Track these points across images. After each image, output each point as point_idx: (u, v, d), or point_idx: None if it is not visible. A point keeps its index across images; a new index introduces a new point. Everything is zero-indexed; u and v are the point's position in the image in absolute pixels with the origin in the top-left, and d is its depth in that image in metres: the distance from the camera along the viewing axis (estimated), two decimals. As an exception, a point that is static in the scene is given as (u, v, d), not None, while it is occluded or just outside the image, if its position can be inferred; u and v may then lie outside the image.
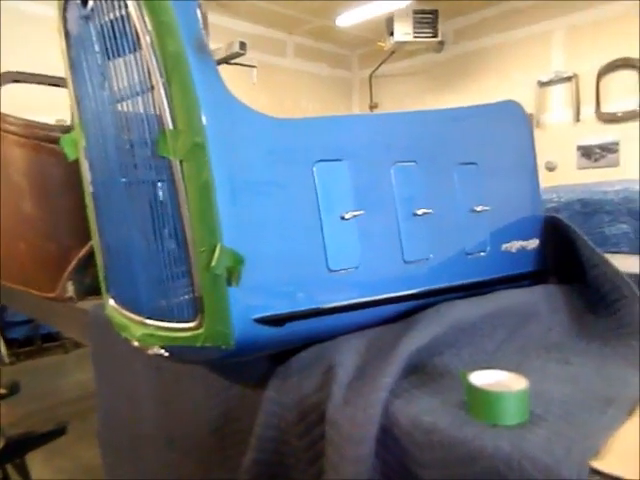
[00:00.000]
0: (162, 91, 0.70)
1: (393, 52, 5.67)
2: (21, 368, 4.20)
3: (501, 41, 5.57)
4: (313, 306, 0.82)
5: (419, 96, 6.19)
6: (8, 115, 1.32)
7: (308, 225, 0.81)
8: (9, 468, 1.72)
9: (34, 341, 4.42)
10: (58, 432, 1.72)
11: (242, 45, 1.46)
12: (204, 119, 0.69)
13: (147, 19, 0.69)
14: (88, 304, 1.41)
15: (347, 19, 5.40)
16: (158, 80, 0.70)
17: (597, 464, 0.52)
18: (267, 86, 5.37)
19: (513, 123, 1.11)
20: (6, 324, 4.34)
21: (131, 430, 1.24)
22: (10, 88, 2.11)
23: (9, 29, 4.31)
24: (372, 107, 6.45)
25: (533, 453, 0.54)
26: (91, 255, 1.40)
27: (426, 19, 5.19)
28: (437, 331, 0.81)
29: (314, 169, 0.81)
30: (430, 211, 0.94)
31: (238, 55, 1.41)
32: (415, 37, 5.17)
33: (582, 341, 0.92)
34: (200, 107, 0.69)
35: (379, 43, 5.47)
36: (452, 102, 5.59)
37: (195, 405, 1.00)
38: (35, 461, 2.03)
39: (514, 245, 1.09)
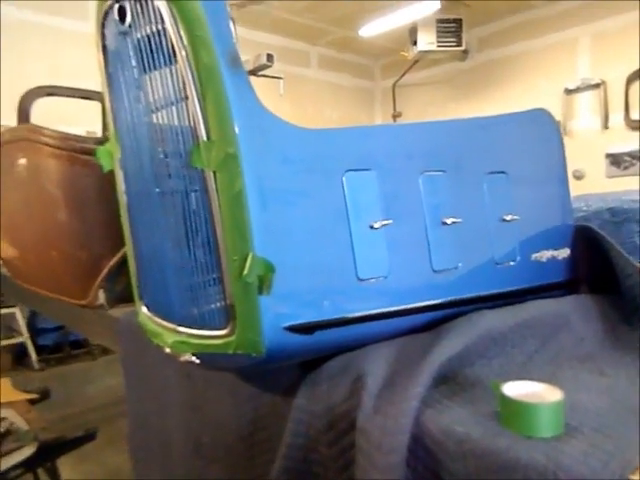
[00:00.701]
0: (196, 103, 0.72)
1: (416, 61, 5.67)
2: (50, 374, 4.30)
3: (526, 49, 5.53)
4: (342, 315, 0.83)
5: (442, 105, 6.18)
6: (44, 127, 1.36)
7: (338, 234, 0.82)
8: (40, 472, 1.76)
9: (63, 348, 4.52)
10: (88, 437, 1.76)
11: (269, 57, 1.49)
12: (237, 130, 0.71)
13: (183, 33, 0.71)
14: (119, 312, 1.44)
15: (370, 29, 5.43)
16: (192, 92, 0.72)
17: (636, 478, 0.51)
18: (291, 96, 5.43)
19: (543, 131, 1.10)
20: (37, 330, 4.45)
21: (160, 436, 1.25)
22: (40, 101, 2.18)
23: (32, 42, 4.46)
24: (395, 116, 6.45)
25: (569, 466, 0.54)
26: (122, 263, 1.44)
27: (450, 28, 5.19)
28: (468, 341, 0.81)
29: (343, 179, 0.82)
30: (459, 220, 0.94)
31: (266, 67, 1.44)
32: (439, 46, 5.17)
33: (616, 352, 0.91)
34: (233, 119, 0.71)
35: (402, 53, 5.49)
36: (476, 111, 5.56)
37: (224, 412, 1.01)
38: (64, 466, 2.07)
39: (544, 254, 1.07)
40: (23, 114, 2.06)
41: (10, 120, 1.99)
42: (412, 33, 5.29)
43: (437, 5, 4.94)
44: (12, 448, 1.53)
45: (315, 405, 0.80)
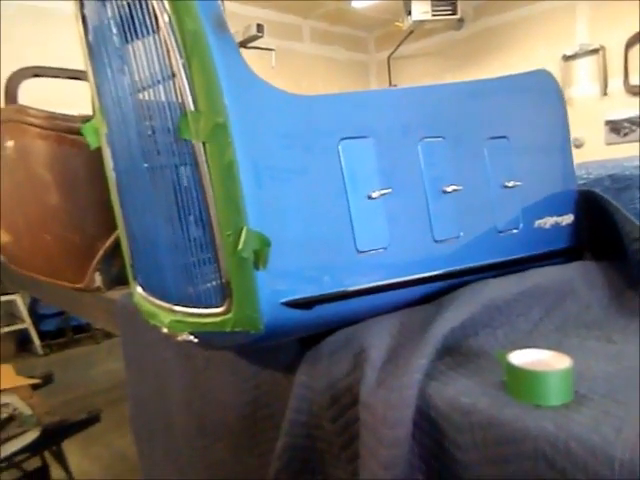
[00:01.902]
0: (182, 72, 0.68)
1: (411, 32, 5.56)
2: (54, 359, 4.32)
3: (522, 16, 5.41)
4: (342, 288, 0.80)
5: (439, 76, 6.07)
6: (30, 107, 1.32)
7: (335, 205, 0.79)
8: (47, 456, 1.77)
9: (66, 333, 4.53)
10: (93, 420, 1.76)
11: (259, 27, 1.44)
12: (225, 99, 0.68)
13: (164, -2, 0.67)
14: (116, 294, 1.42)
15: (363, 0, 5.30)
16: (178, 61, 0.68)
17: (650, 444, 0.49)
18: (284, 71, 5.32)
19: (545, 94, 1.06)
20: (39, 317, 4.45)
21: (162, 417, 1.25)
22: (30, 83, 2.12)
23: (28, 26, 4.36)
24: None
25: (580, 434, 0.52)
26: (117, 245, 1.41)
27: (444, -4, 5.06)
28: (471, 311, 0.79)
29: (339, 147, 0.79)
30: (459, 188, 0.91)
31: (256, 38, 1.39)
32: (434, 15, 5.06)
33: (623, 319, 0.89)
34: (221, 86, 0.67)
35: (397, 23, 5.37)
36: (473, 81, 5.46)
37: (225, 391, 1.00)
38: (71, 449, 2.08)
39: (548, 221, 1.05)
40: (10, 96, 2.01)
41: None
42: (406, 3, 5.16)
43: (431, -28, 4.82)
44: (16, 433, 1.53)
45: (317, 381, 0.78)
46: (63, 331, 4.55)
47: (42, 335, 4.44)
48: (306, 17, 5.97)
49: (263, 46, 1.68)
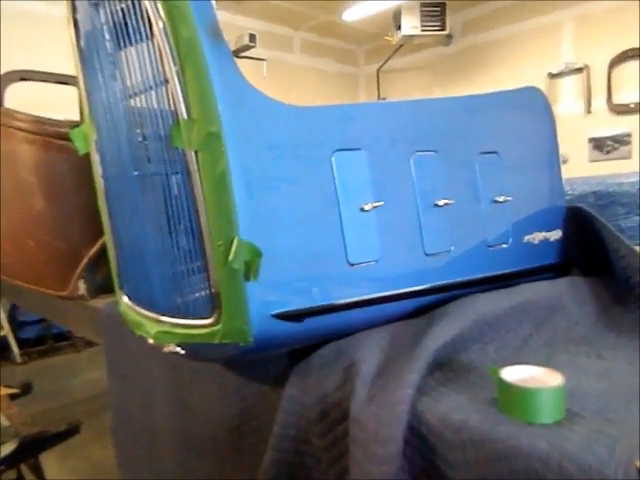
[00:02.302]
0: (176, 79, 0.68)
1: (401, 46, 5.61)
2: (33, 367, 4.22)
3: (510, 33, 5.50)
4: (332, 301, 0.80)
5: (427, 90, 6.14)
6: (16, 111, 1.30)
7: (327, 217, 0.78)
8: (24, 468, 1.72)
9: (46, 340, 4.43)
10: (72, 431, 1.71)
11: (252, 37, 1.44)
12: (219, 107, 0.67)
13: (159, 4, 0.66)
14: (100, 302, 1.39)
15: (353, 14, 5.36)
16: (172, 68, 0.68)
17: (642, 464, 0.49)
18: (273, 82, 5.34)
19: (535, 110, 1.07)
20: (18, 324, 4.35)
21: (145, 429, 1.22)
22: (17, 88, 2.10)
23: (15, 30, 4.32)
24: (380, 102, 6.39)
25: (574, 453, 0.51)
26: (102, 253, 1.39)
27: (434, 12, 5.14)
28: (462, 326, 0.78)
29: (332, 159, 0.78)
30: (451, 202, 0.91)
31: (248, 48, 1.39)
32: (423, 30, 5.12)
33: (611, 334, 0.89)
34: (215, 95, 0.67)
35: (386, 37, 5.42)
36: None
37: (211, 404, 0.98)
38: (49, 461, 2.02)
39: (537, 236, 1.05)
40: (-4, 100, 1.99)
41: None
42: (396, 17, 5.22)
43: (420, -12, 4.89)
44: (-8, 445, 1.49)
45: (306, 395, 0.77)
46: (43, 339, 4.46)
47: (21, 343, 4.34)
48: (297, 29, 6.00)
49: (255, 56, 1.67)
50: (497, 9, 5.54)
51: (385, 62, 6.16)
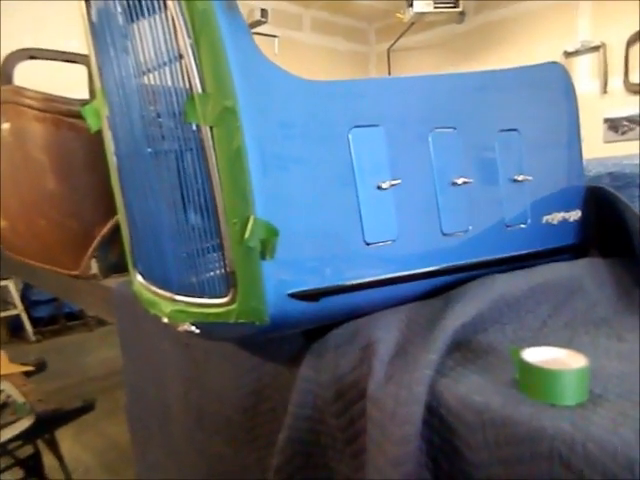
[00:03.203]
0: (190, 53, 0.66)
1: (412, 24, 5.51)
2: (46, 346, 4.28)
3: (525, 10, 5.37)
4: (349, 281, 0.78)
5: (439, 69, 6.03)
6: (26, 89, 1.29)
7: (344, 195, 0.77)
8: (40, 444, 1.75)
9: (58, 319, 4.49)
10: (87, 408, 1.74)
11: (264, 13, 1.42)
12: (235, 81, 0.65)
13: (173, -26, 0.64)
14: (112, 281, 1.40)
15: (365, -10, 5.25)
16: (186, 41, 0.66)
17: (670, 447, 0.48)
18: (283, 61, 5.26)
19: (557, 86, 1.04)
20: (31, 303, 4.41)
21: (159, 407, 1.23)
22: (26, 68, 2.08)
23: (23, 9, 4.28)
24: (390, 82, 6.30)
25: (598, 435, 0.50)
26: (114, 232, 1.39)
27: (447, -12, 5.01)
28: (480, 306, 0.77)
29: (349, 135, 0.76)
30: (469, 180, 0.89)
31: (260, 23, 1.36)
32: (435, 7, 5.01)
33: (631, 316, 0.87)
34: (231, 68, 0.65)
35: (398, 15, 5.32)
36: (473, 75, 5.43)
37: (225, 383, 0.98)
38: (63, 436, 2.06)
39: (556, 217, 1.03)
40: (5, 77, 1.97)
41: None
42: (408, -6, 5.11)
43: (434, -36, 4.77)
44: (9, 421, 1.51)
45: (322, 375, 0.76)
46: (56, 318, 4.52)
47: (34, 322, 4.40)
48: (307, 7, 5.90)
49: (266, 32, 1.64)
50: (512, -15, 5.40)
51: (396, 41, 6.05)
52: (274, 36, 1.97)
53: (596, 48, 4.92)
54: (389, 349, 0.72)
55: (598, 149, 4.74)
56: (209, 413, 1.04)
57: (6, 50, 2.23)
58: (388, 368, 0.69)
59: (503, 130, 0.95)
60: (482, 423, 0.58)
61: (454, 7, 5.17)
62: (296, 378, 0.79)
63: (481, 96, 0.93)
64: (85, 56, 2.17)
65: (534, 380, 0.58)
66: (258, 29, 1.48)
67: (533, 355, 0.61)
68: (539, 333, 0.80)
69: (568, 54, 5.07)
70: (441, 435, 0.63)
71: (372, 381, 0.68)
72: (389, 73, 6.38)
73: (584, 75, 5.06)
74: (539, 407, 0.56)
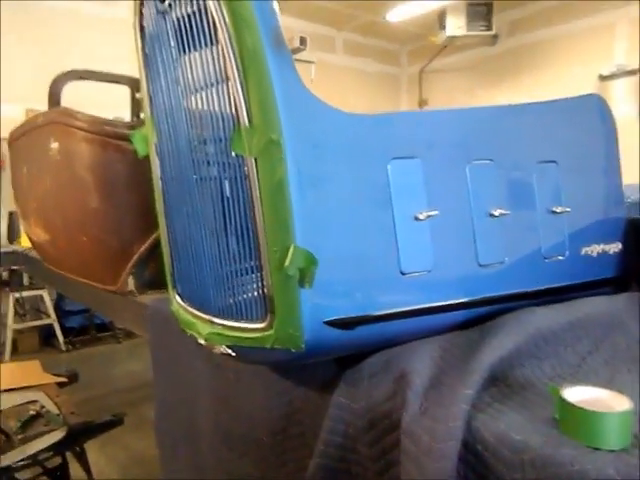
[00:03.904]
0: (238, 87, 0.68)
1: (445, 47, 5.54)
2: (75, 356, 4.38)
3: (559, 33, 5.35)
4: (384, 310, 0.79)
5: (470, 91, 6.03)
6: (77, 111, 1.35)
7: (381, 225, 0.78)
8: (67, 455, 1.78)
9: (89, 330, 4.59)
10: (116, 422, 1.77)
11: (302, 40, 1.45)
12: (280, 115, 0.67)
13: (225, 13, 0.67)
14: (147, 298, 1.43)
15: (397, 14, 5.32)
16: (235, 75, 0.68)
17: None
18: (315, 82, 5.36)
19: (596, 118, 1.04)
20: (63, 313, 4.52)
21: (188, 425, 1.24)
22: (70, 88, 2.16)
23: (66, 30, 4.48)
24: (421, 103, 6.33)
25: (643, 483, 0.49)
26: (152, 250, 1.42)
27: (480, 11, 5.05)
28: (518, 340, 0.76)
29: (388, 167, 0.78)
30: (506, 212, 0.89)
31: (298, 50, 1.39)
32: (469, 31, 5.04)
33: (675, 355, 0.85)
34: (277, 103, 0.67)
35: (431, 38, 5.36)
36: (505, 97, 5.42)
37: (255, 405, 0.98)
38: (89, 449, 2.09)
39: (595, 249, 1.02)
40: (54, 98, 2.05)
41: (41, 105, 1.98)
42: (441, 17, 5.16)
43: (468, -12, 4.80)
44: (42, 431, 1.55)
45: (355, 403, 0.76)
46: (86, 329, 4.62)
47: (65, 331, 4.51)
48: (340, 29, 6.00)
49: (304, 58, 1.68)
50: (546, 8, 5.40)
51: (428, 63, 6.09)
52: (311, 62, 2.02)
53: (633, 72, 4.85)
54: (423, 381, 0.72)
55: (634, 175, 4.65)
56: (238, 434, 1.05)
57: (55, 69, 2.33)
58: (423, 400, 0.69)
59: (541, 162, 0.95)
60: (521, 462, 0.58)
61: (487, 30, 5.19)
62: (328, 404, 0.80)
63: (519, 128, 0.94)
64: (128, 77, 2.25)
65: (576, 421, 0.57)
66: (296, 56, 1.52)
67: (574, 394, 0.60)
68: (578, 370, 0.78)
69: (603, 77, 5.01)
70: (477, 472, 0.62)
71: (406, 413, 0.68)
72: (420, 94, 6.40)
73: (620, 99, 4.99)
74: (581, 450, 0.55)
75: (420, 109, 6.29)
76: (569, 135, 1.00)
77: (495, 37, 5.57)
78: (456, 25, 5.10)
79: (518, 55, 5.67)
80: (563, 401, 0.59)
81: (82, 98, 2.38)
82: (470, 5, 5.03)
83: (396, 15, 5.31)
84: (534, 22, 5.50)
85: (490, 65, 5.93)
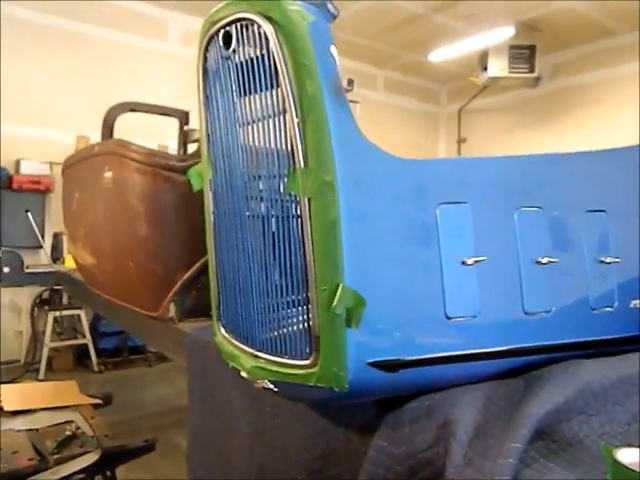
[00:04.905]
0: (296, 130, 0.71)
1: (485, 87, 5.57)
2: (107, 377, 4.43)
3: (602, 77, 5.31)
4: (428, 354, 0.79)
5: (509, 132, 6.02)
6: (131, 143, 1.41)
7: (429, 269, 0.78)
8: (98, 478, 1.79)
9: (122, 352, 4.65)
10: (149, 448, 1.78)
11: (350, 82, 1.49)
12: (336, 159, 0.70)
13: (288, 60, 0.71)
14: (187, 326, 1.46)
15: (439, 55, 5.40)
16: (294, 120, 0.71)
17: None
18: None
19: (648, 168, 1.02)
20: (98, 334, 4.61)
21: (222, 457, 1.24)
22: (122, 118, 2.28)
23: (119, 61, 4.72)
24: (460, 142, 6.35)
25: None
26: (194, 279, 1.46)
27: (523, 54, 5.07)
28: (567, 394, 0.74)
29: (437, 211, 0.78)
30: (555, 260, 0.88)
31: (346, 91, 1.43)
32: (510, 72, 5.06)
33: None
34: (332, 147, 0.70)
35: (471, 78, 5.41)
36: (546, 139, 5.37)
37: (292, 442, 0.98)
38: (117, 472, 2.10)
39: (645, 302, 0.99)
40: (107, 128, 2.17)
41: (92, 132, 2.09)
42: (483, 59, 5.21)
43: (510, 31, 4.85)
44: (77, 453, 1.57)
45: (396, 448, 0.75)
46: (119, 350, 4.69)
47: (99, 352, 4.59)
48: (382, 68, 6.13)
49: (350, 98, 1.73)
50: (590, 52, 5.39)
51: (468, 102, 6.13)
52: (356, 102, 2.07)
53: (679, 117, 4.75)
54: (468, 430, 0.71)
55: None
56: (273, 470, 1.04)
57: (106, 98, 2.45)
58: (467, 451, 0.68)
59: (591, 211, 0.94)
60: (571, 524, 0.56)
61: (529, 72, 5.20)
62: (367, 448, 0.79)
63: (569, 177, 0.93)
64: (178, 110, 2.34)
65: (630, 484, 0.55)
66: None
67: (628, 456, 0.58)
68: (629, 429, 0.76)
69: (649, 122, 4.92)
70: (524, 530, 0.60)
71: (450, 463, 0.66)
72: (459, 133, 6.42)
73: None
74: (635, 515, 0.53)
75: (458, 147, 6.30)
76: (619, 184, 0.99)
77: (537, 79, 5.57)
78: (498, 67, 5.14)
79: (560, 97, 5.65)
80: (617, 463, 0.57)
81: (130, 127, 2.49)
82: (512, 47, 5.07)
83: (438, 56, 5.40)
84: (577, 65, 5.49)
85: (531, 107, 5.92)
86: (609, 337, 0.96)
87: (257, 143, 0.79)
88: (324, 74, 0.70)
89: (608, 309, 0.95)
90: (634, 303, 0.98)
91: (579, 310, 0.93)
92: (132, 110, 2.30)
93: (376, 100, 6.17)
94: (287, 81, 0.71)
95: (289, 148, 0.73)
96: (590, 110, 5.36)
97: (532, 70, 5.17)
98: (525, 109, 5.99)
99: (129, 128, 2.31)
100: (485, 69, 5.21)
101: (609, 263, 0.95)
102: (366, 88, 6.02)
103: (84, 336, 4.49)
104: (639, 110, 4.92)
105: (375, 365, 0.74)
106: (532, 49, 5.12)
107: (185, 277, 1.45)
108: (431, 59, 5.52)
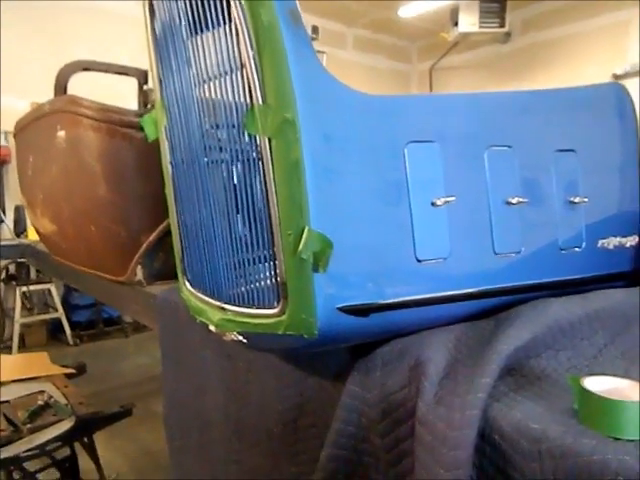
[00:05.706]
0: (252, 65, 0.67)
1: (456, 43, 5.50)
2: (83, 350, 4.38)
3: (572, 32, 5.29)
4: (399, 297, 0.77)
5: (483, 88, 5.97)
6: (83, 99, 1.33)
7: (397, 210, 0.76)
8: (76, 446, 1.78)
9: (97, 324, 4.59)
10: (125, 413, 1.76)
11: (314, 29, 1.43)
12: (296, 93, 0.66)
13: (239, -12, 0.66)
14: (156, 288, 1.42)
15: (409, 10, 5.28)
16: (249, 53, 0.67)
17: None
18: (326, 78, 5.33)
19: (617, 108, 1.01)
20: (71, 307, 4.53)
21: (198, 416, 1.23)
22: (76, 80, 2.16)
23: (73, 25, 4.49)
24: (431, 100, 6.28)
25: (668, 473, 0.47)
26: (161, 240, 1.41)
27: (493, 8, 5.00)
28: (535, 331, 0.74)
29: (405, 150, 0.76)
30: (524, 200, 0.87)
31: (311, 40, 1.37)
32: (481, 27, 5.00)
33: (694, 349, 0.83)
34: (292, 81, 0.66)
35: (442, 34, 5.32)
36: (517, 95, 5.35)
37: (267, 396, 0.97)
38: (97, 440, 2.09)
39: (612, 241, 0.99)
40: (60, 89, 2.05)
41: (47, 98, 1.98)
42: (453, 14, 5.11)
43: (480, -16, 4.76)
44: (51, 421, 1.55)
45: (368, 392, 0.75)
46: (94, 322, 4.62)
47: (73, 325, 4.51)
48: (350, 25, 5.97)
49: (316, 48, 1.66)
50: (560, 7, 5.33)
51: (439, 59, 6.05)
52: (322, 52, 1.99)
53: (646, 71, 4.78)
54: (439, 369, 0.70)
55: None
56: (249, 425, 1.03)
57: (61, 63, 2.33)
58: (438, 390, 0.67)
59: (560, 150, 0.93)
60: (539, 453, 0.56)
61: (500, 27, 5.14)
62: (341, 394, 0.78)
63: (538, 115, 0.92)
64: (136, 69, 2.23)
65: (597, 410, 0.56)
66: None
67: (594, 384, 0.58)
68: (594, 362, 0.76)
69: (617, 77, 4.95)
70: (494, 462, 0.60)
71: (422, 402, 0.66)
72: (430, 91, 6.36)
73: (634, 99, 4.93)
74: (601, 440, 0.53)
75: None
76: (589, 124, 0.98)
77: (508, 35, 5.52)
78: (468, 22, 5.06)
79: (531, 53, 5.62)
80: (584, 390, 0.57)
81: (87, 92, 2.38)
82: (483, 2, 4.99)
83: (408, 11, 5.27)
84: (547, 20, 5.44)
85: (502, 63, 5.88)
86: (577, 277, 0.96)
87: (213, 89, 0.74)
88: (279, 1, 0.65)
89: (576, 249, 0.95)
90: (601, 243, 0.98)
91: (548, 250, 0.92)
92: (86, 69, 2.18)
93: (346, 59, 6.03)
94: (240, 11, 0.66)
95: (246, 85, 0.68)
96: (559, 65, 5.35)
97: (503, 25, 5.11)
98: (496, 65, 5.95)
99: (84, 91, 2.19)
100: (456, 25, 5.12)
101: (577, 203, 0.94)
102: (335, 47, 5.87)
103: (56, 310, 4.41)
104: (609, 64, 4.94)
105: (345, 310, 0.73)
106: (502, 3, 5.04)
107: (151, 238, 1.40)
108: (401, 14, 5.39)
